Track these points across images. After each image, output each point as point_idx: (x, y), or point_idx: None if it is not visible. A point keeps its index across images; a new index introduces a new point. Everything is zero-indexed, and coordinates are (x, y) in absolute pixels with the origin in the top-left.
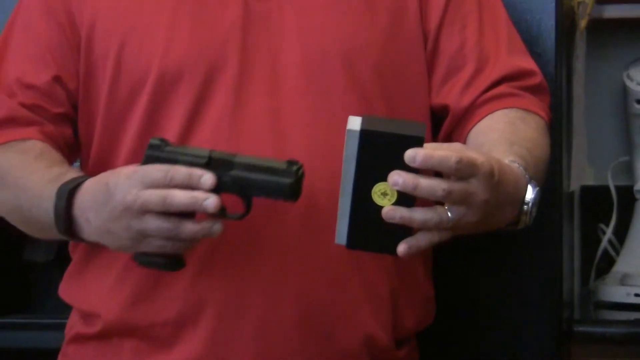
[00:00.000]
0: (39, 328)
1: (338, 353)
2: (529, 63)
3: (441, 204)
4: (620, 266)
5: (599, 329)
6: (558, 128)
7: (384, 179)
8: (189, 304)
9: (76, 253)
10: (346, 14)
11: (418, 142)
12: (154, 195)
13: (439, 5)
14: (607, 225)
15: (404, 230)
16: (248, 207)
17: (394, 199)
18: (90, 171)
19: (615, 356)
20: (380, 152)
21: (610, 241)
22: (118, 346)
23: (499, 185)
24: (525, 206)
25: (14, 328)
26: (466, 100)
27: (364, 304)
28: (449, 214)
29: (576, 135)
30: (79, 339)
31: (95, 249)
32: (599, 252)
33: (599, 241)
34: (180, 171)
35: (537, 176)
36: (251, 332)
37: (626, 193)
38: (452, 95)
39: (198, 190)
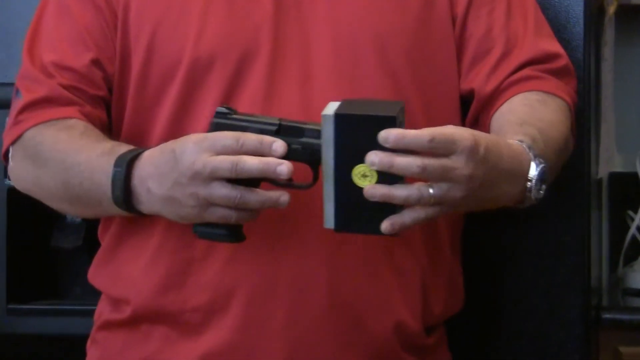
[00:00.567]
0: (67, 314)
1: (369, 340)
2: (554, 46)
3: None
4: None
5: (627, 316)
6: (586, 115)
7: (362, 160)
8: (219, 290)
9: (105, 239)
10: (377, 1)
11: (391, 122)
12: (225, 162)
13: None
14: (636, 212)
15: (390, 210)
16: (316, 175)
17: (374, 180)
18: None
19: None
20: (356, 134)
21: (638, 228)
22: (147, 333)
23: (487, 161)
24: (529, 183)
25: (43, 314)
26: (491, 85)
27: (394, 291)
28: (431, 190)
29: (604, 122)
30: (108, 325)
31: (126, 234)
32: (627, 239)
33: (627, 228)
34: (251, 138)
35: (548, 155)
36: (281, 319)
37: None
38: (479, 79)
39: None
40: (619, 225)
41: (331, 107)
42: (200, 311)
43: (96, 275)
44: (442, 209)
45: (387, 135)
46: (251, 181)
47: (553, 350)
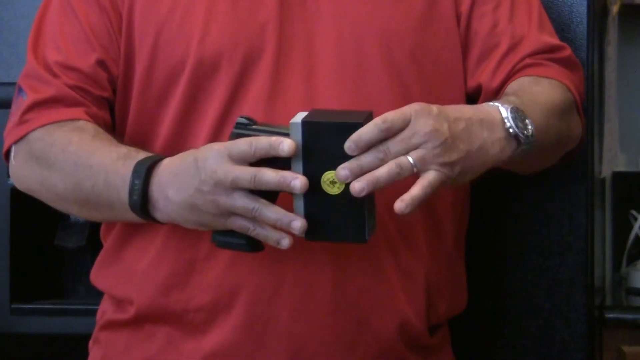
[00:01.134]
0: (71, 314)
1: (373, 339)
2: (557, 41)
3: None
4: None
5: (630, 316)
6: (590, 114)
7: (331, 167)
8: (223, 290)
9: (108, 239)
10: None
11: (357, 129)
12: (245, 172)
13: None
14: (639, 211)
15: (360, 217)
16: None
17: (342, 186)
18: None
19: None
20: (323, 142)
21: None
22: (151, 333)
23: (446, 114)
24: (507, 122)
25: (47, 314)
26: (497, 80)
27: (399, 291)
28: (409, 159)
29: (608, 121)
30: (111, 325)
31: (129, 235)
32: (631, 238)
33: (631, 227)
34: (262, 141)
35: (528, 112)
36: (286, 319)
37: None
38: (485, 75)
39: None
40: (623, 225)
41: (299, 116)
42: (203, 311)
43: (99, 276)
44: (439, 175)
45: (350, 144)
46: (270, 193)
47: (556, 349)
